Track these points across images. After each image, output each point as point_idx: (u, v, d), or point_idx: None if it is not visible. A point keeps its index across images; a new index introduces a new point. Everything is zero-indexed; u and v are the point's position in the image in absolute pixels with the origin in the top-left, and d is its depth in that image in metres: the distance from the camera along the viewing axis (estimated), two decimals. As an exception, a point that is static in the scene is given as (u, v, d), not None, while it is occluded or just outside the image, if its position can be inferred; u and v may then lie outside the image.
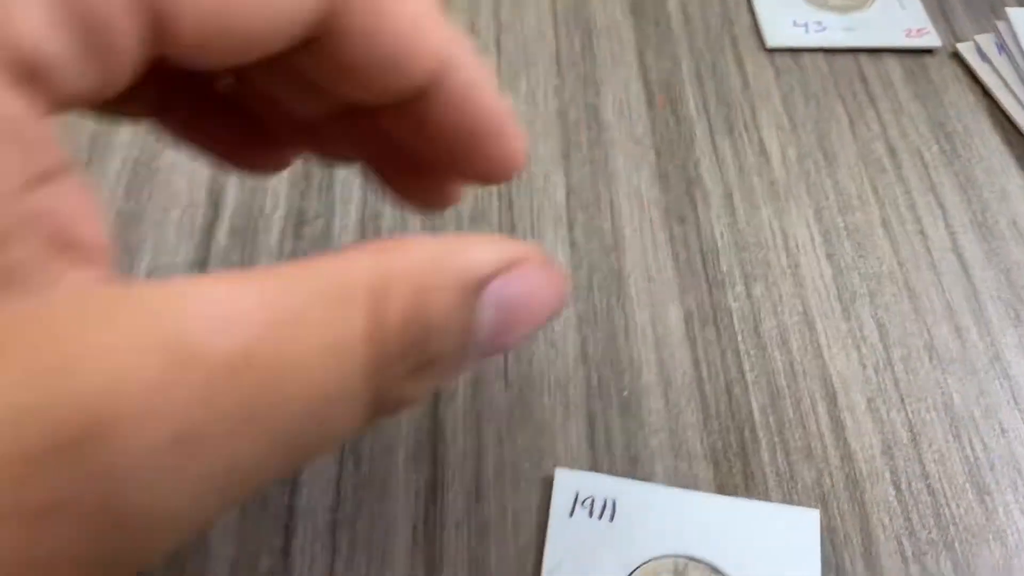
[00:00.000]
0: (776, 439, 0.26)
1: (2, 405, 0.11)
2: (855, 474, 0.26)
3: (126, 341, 0.12)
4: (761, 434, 0.27)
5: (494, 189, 0.32)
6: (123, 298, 0.13)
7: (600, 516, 0.24)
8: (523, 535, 0.24)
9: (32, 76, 0.14)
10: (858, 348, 0.28)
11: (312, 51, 0.17)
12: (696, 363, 0.28)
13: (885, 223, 0.31)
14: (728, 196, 0.32)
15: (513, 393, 0.27)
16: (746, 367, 0.28)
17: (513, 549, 0.24)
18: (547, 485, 0.25)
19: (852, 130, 0.34)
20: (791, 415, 0.27)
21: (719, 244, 0.31)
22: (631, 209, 0.31)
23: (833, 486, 0.26)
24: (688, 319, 0.29)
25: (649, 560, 0.24)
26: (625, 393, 0.27)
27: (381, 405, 0.15)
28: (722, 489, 0.25)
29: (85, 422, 0.11)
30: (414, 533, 0.24)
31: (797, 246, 0.31)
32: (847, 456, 0.26)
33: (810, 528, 0.25)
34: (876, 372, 0.28)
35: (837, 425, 0.27)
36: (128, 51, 0.15)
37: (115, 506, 0.12)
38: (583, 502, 0.25)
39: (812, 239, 0.31)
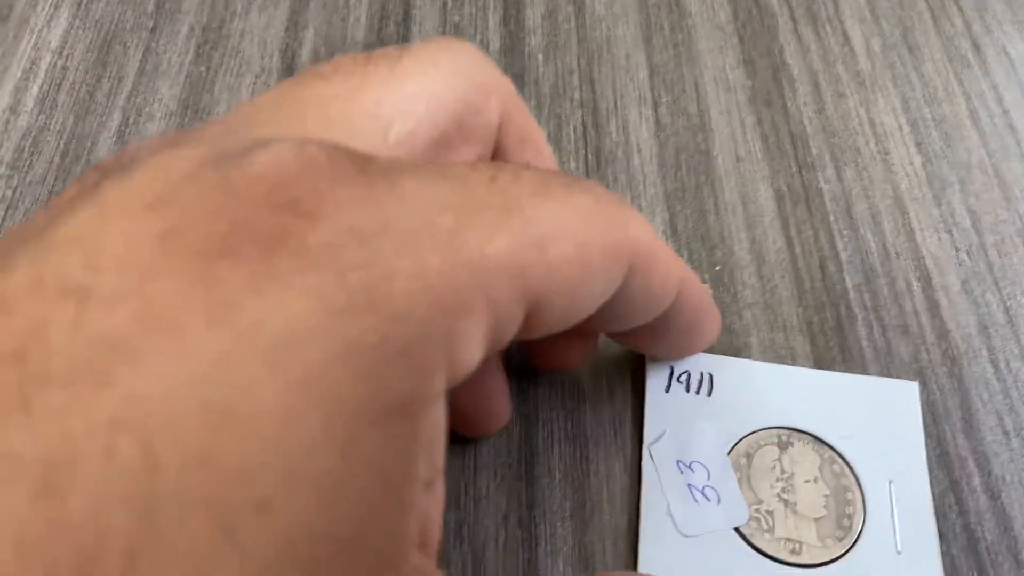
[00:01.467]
0: (872, 316, 0.26)
1: None
2: (952, 351, 0.25)
3: None
4: (857, 311, 0.26)
5: (574, 66, 0.31)
6: None
7: (698, 391, 0.24)
8: (618, 403, 0.24)
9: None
10: (950, 232, 0.28)
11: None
12: (789, 241, 0.27)
13: (973, 115, 0.31)
14: (814, 84, 0.31)
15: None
16: (839, 246, 0.27)
17: (608, 414, 0.24)
18: (640, 360, 0.24)
19: (936, 25, 0.33)
20: (886, 294, 0.27)
21: (808, 129, 0.30)
22: (717, 92, 0.31)
23: (931, 362, 0.25)
24: (779, 199, 0.28)
25: (752, 432, 0.23)
26: (717, 268, 0.27)
27: None
28: (819, 363, 0.25)
29: None
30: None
31: (885, 134, 0.30)
32: (943, 334, 0.26)
33: (910, 400, 0.24)
34: (969, 256, 0.27)
35: (932, 304, 0.26)
36: (509, 338, 0.15)
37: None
38: (679, 377, 0.24)
39: (900, 128, 0.30)
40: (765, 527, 0.22)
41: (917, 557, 0.21)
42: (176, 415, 0.10)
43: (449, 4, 0.33)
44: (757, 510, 0.22)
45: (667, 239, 0.27)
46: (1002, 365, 0.25)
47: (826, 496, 0.22)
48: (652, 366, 0.24)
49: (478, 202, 0.14)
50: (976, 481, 0.23)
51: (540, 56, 0.31)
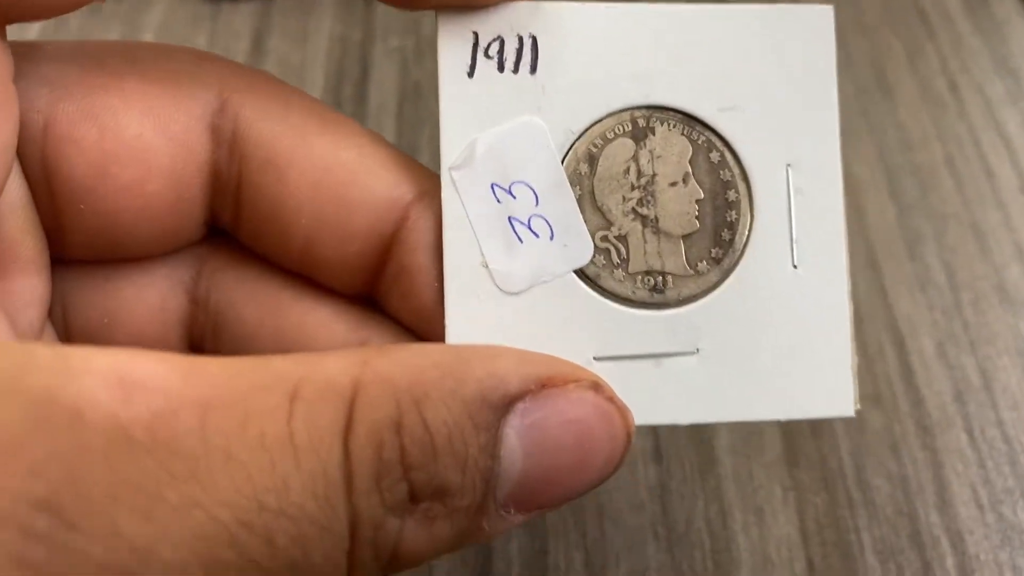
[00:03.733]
0: (843, 384, 0.25)
1: None
2: (926, 421, 0.25)
3: None
4: (827, 379, 0.25)
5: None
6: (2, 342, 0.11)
7: (515, 67, 0.16)
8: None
9: None
10: (924, 291, 0.27)
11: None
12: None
13: (948, 161, 0.30)
14: (784, 133, 0.30)
15: None
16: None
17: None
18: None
19: (910, 64, 0.32)
20: (859, 360, 0.26)
21: (777, 183, 0.29)
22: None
23: (904, 433, 0.24)
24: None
25: (595, 122, 0.16)
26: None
27: (370, 547, 0.12)
28: (788, 437, 0.24)
29: None
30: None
31: (859, 185, 0.29)
32: (917, 403, 0.25)
33: (821, 34, 0.17)
34: (944, 315, 0.27)
35: (906, 370, 0.26)
36: None
37: None
38: (486, 50, 0.16)
39: (874, 178, 0.29)
40: (616, 260, 0.16)
41: (819, 271, 0.16)
42: None
43: (410, 61, 0.32)
44: (604, 238, 0.16)
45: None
46: (977, 433, 0.25)
47: (699, 201, 0.16)
48: (445, 35, 0.16)
49: None
50: (949, 562, 0.23)
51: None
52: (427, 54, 0.32)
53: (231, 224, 0.17)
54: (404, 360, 0.13)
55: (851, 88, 0.32)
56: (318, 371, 0.12)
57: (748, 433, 0.24)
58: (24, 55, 0.15)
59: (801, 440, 0.24)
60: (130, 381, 0.11)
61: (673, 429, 0.24)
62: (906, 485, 0.24)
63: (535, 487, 0.14)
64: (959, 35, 0.33)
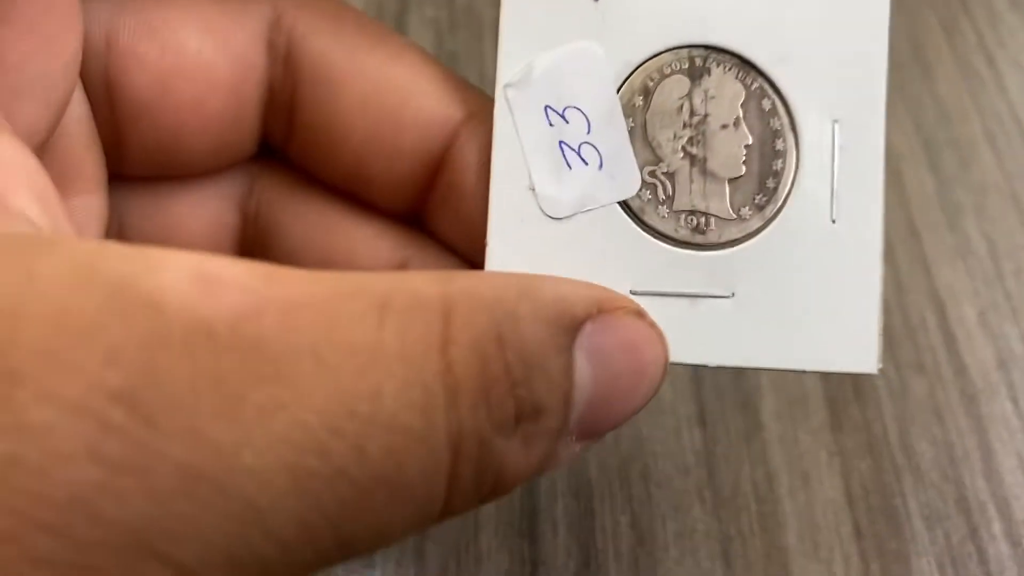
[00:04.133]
0: (886, 354, 0.25)
1: None
2: (970, 389, 0.25)
3: (57, 268, 0.10)
4: (870, 347, 0.25)
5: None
6: (73, 241, 0.10)
7: None
8: (624, 451, 0.23)
9: None
10: (965, 261, 0.27)
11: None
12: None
13: (988, 135, 0.30)
14: (822, 105, 0.30)
15: None
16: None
17: (614, 462, 0.23)
18: None
19: (948, 40, 0.32)
20: (900, 329, 0.26)
21: (816, 154, 0.29)
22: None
23: (948, 401, 0.24)
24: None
25: (654, 55, 0.16)
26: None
27: (473, 466, 0.12)
28: (832, 405, 0.24)
29: None
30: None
31: (898, 157, 0.29)
32: (960, 371, 0.25)
33: (879, 3, 0.17)
34: (986, 285, 0.27)
35: (948, 339, 0.25)
36: None
37: (15, 485, 0.09)
38: None
39: (912, 151, 0.29)
40: (662, 197, 0.16)
41: (855, 227, 0.16)
42: None
43: (444, 31, 0.32)
44: (652, 173, 0.16)
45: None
46: (1022, 402, 0.24)
47: (748, 147, 0.16)
48: None
49: None
50: (996, 527, 0.23)
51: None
52: (461, 25, 0.32)
53: (282, 141, 0.17)
54: (484, 280, 0.13)
55: (888, 63, 0.31)
56: (404, 285, 0.12)
57: (792, 399, 0.24)
58: None
59: (845, 406, 0.24)
60: (211, 278, 0.10)
61: (718, 395, 0.24)
62: (951, 451, 0.24)
63: (598, 412, 0.14)
64: (996, 11, 0.33)
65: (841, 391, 0.24)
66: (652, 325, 0.14)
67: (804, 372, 0.17)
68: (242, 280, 0.11)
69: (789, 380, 0.25)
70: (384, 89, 0.16)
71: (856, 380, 0.25)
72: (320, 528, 0.11)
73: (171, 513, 0.10)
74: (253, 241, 0.18)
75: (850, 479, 0.23)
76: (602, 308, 0.14)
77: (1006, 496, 0.23)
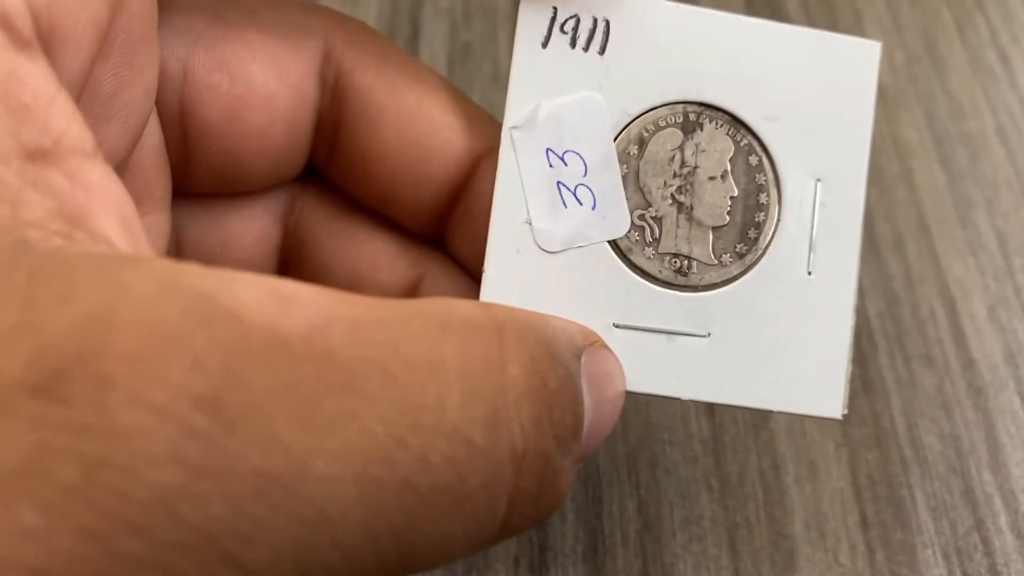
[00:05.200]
0: (895, 345, 0.25)
1: None
2: (978, 382, 0.25)
3: (142, 280, 0.10)
4: (879, 339, 0.25)
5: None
6: (154, 258, 0.11)
7: (586, 46, 0.17)
8: (632, 439, 0.23)
9: (47, 41, 0.12)
10: (976, 256, 0.27)
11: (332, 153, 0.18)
12: (808, 266, 0.27)
13: (1000, 131, 0.30)
14: (834, 99, 0.30)
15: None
16: (861, 271, 0.27)
17: (622, 451, 0.23)
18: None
19: (960, 35, 0.32)
20: (909, 321, 0.26)
21: (827, 147, 0.29)
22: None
23: (955, 394, 0.25)
24: (798, 222, 0.28)
25: (652, 108, 0.17)
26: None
27: (535, 480, 0.12)
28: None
29: (64, 354, 0.09)
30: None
31: (909, 152, 0.29)
32: (969, 364, 0.25)
33: (865, 68, 0.18)
34: (996, 280, 0.27)
35: (957, 332, 0.26)
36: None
37: (104, 485, 0.09)
38: (563, 26, 0.17)
39: (924, 145, 0.29)
40: (649, 239, 0.17)
41: (830, 282, 0.17)
42: None
43: (459, 22, 0.32)
44: (642, 217, 0.17)
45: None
46: (1030, 396, 0.25)
47: (733, 199, 0.18)
48: (527, 5, 0.17)
49: None
50: (1003, 520, 0.23)
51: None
52: (475, 16, 0.32)
53: (323, 163, 0.19)
54: (516, 309, 0.14)
55: (901, 56, 0.32)
56: (457, 309, 0.13)
57: (800, 390, 0.24)
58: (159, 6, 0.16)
59: (853, 398, 0.24)
60: (284, 294, 0.11)
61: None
62: (958, 444, 0.24)
63: (591, 437, 0.15)
64: (1010, 8, 0.33)
65: (849, 383, 0.25)
66: (616, 359, 0.16)
67: (771, 412, 0.18)
68: (312, 298, 0.11)
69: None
70: (418, 122, 0.18)
71: (865, 372, 0.25)
72: (384, 538, 0.11)
73: (245, 517, 0.10)
74: (290, 252, 0.19)
75: (857, 470, 0.23)
76: (589, 340, 0.15)
77: (1013, 489, 0.23)
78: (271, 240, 0.19)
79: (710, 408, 0.24)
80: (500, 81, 0.30)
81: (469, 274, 0.19)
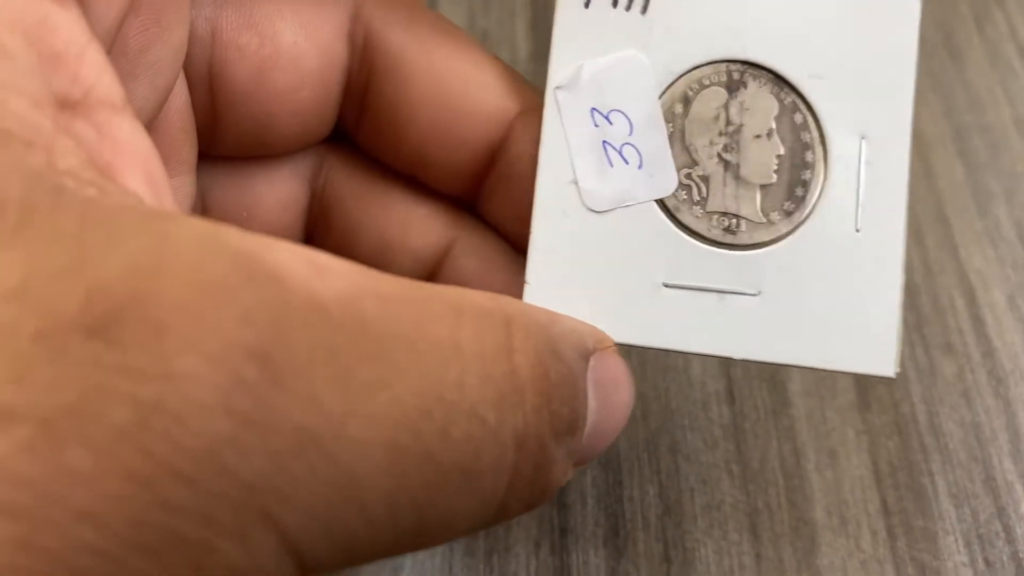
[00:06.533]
0: (915, 335, 0.25)
1: (13, 275, 0.09)
2: (999, 371, 0.25)
3: (187, 234, 0.10)
4: (899, 328, 0.25)
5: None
6: (193, 216, 0.11)
7: (628, 5, 0.17)
8: (652, 423, 0.23)
9: None
10: (995, 246, 0.27)
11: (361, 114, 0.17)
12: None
13: (1018, 123, 0.30)
14: (852, 90, 0.30)
15: None
16: (880, 261, 0.27)
17: (643, 435, 0.23)
18: None
19: (978, 29, 0.32)
20: (929, 311, 0.26)
21: (846, 137, 0.29)
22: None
23: (976, 382, 0.24)
24: (817, 211, 0.28)
25: (695, 67, 0.17)
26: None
27: (532, 466, 0.13)
28: (860, 382, 0.24)
29: (118, 298, 0.09)
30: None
31: (927, 144, 0.29)
32: (989, 353, 0.25)
33: (907, 20, 0.18)
34: (1015, 270, 0.27)
35: (977, 321, 0.26)
36: None
37: (156, 430, 0.09)
38: None
39: (942, 137, 0.29)
40: (696, 198, 0.17)
41: (878, 238, 0.17)
42: None
43: (477, 9, 0.32)
44: (688, 175, 0.17)
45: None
46: (1050, 386, 0.24)
47: (779, 157, 0.18)
48: None
49: None
50: (1024, 508, 0.23)
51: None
52: (493, 3, 0.32)
53: (352, 126, 0.18)
54: (525, 304, 0.14)
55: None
56: (468, 297, 0.13)
57: (820, 377, 0.24)
58: None
59: (874, 385, 0.24)
60: (319, 263, 0.11)
61: (746, 371, 0.24)
62: (979, 432, 0.24)
63: (593, 439, 0.15)
64: (1026, 1, 0.33)
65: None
66: (626, 367, 0.16)
67: (824, 371, 0.18)
68: (343, 269, 0.11)
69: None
70: (450, 82, 0.17)
71: (884, 360, 0.25)
72: (404, 509, 0.11)
73: (285, 475, 0.10)
74: (318, 216, 0.19)
75: (878, 457, 0.23)
76: (601, 345, 0.15)
77: (1034, 477, 0.23)
78: (299, 204, 0.19)
79: (730, 394, 0.24)
80: (518, 68, 0.30)
81: (504, 238, 0.19)
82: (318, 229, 0.19)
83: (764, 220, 0.17)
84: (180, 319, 0.09)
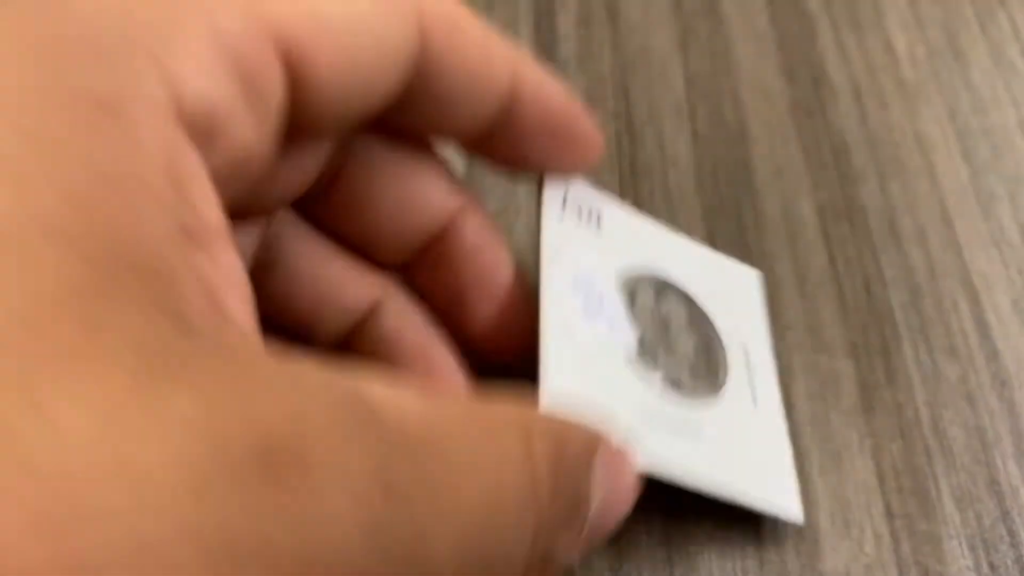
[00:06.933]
0: (919, 337, 0.25)
1: (172, 422, 0.10)
2: (1003, 374, 0.25)
3: (314, 379, 0.12)
4: (903, 331, 0.25)
5: (607, 75, 0.30)
6: (288, 354, 0.12)
7: (588, 220, 0.22)
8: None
9: (209, 132, 0.13)
10: (999, 249, 0.27)
11: (405, 100, 0.17)
12: (831, 258, 0.27)
13: (1022, 125, 0.30)
14: (856, 93, 0.30)
15: (638, 283, 0.26)
16: (883, 263, 0.27)
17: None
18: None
19: (983, 30, 0.32)
20: (932, 313, 0.26)
21: (850, 140, 0.29)
22: (755, 101, 0.30)
23: (980, 385, 0.24)
24: (821, 213, 0.27)
25: (634, 274, 0.22)
26: (757, 286, 0.26)
27: (540, 559, 0.14)
28: (863, 385, 0.24)
29: (272, 446, 0.10)
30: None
31: (931, 146, 0.29)
32: (993, 356, 0.25)
33: (752, 287, 0.25)
34: (1020, 273, 0.26)
35: (981, 324, 0.25)
36: (274, 94, 0.14)
37: (308, 559, 0.10)
38: (571, 205, 0.22)
39: (946, 139, 0.29)
40: (648, 361, 0.21)
41: (769, 413, 0.23)
42: None
43: (480, 11, 0.32)
44: (641, 342, 0.21)
45: (705, 256, 0.27)
46: (1055, 389, 0.24)
47: (696, 345, 0.22)
48: (550, 187, 0.22)
49: None
50: (1028, 511, 0.23)
51: (573, 64, 0.31)
52: (497, 5, 0.32)
53: (311, 198, 0.20)
54: (541, 408, 0.16)
55: (922, 50, 0.32)
56: (499, 413, 0.14)
57: (824, 381, 0.24)
58: None
59: (877, 389, 0.24)
60: (402, 399, 0.12)
61: (749, 374, 0.24)
62: (983, 435, 0.24)
63: (595, 528, 0.16)
64: (1031, 3, 0.33)
65: (873, 374, 0.25)
66: (630, 460, 0.17)
67: (746, 508, 0.21)
68: (414, 401, 0.13)
69: (821, 363, 0.25)
70: (409, 179, 0.20)
71: (888, 363, 0.25)
72: None
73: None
74: (262, 260, 0.20)
75: (881, 460, 0.23)
76: (607, 438, 0.16)
77: (1038, 481, 0.23)
78: (252, 247, 0.19)
79: (733, 397, 0.24)
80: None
81: (426, 303, 0.21)
82: (259, 272, 0.20)
83: (695, 384, 0.22)
84: (324, 459, 0.11)
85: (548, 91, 0.19)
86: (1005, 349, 0.25)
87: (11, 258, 0.10)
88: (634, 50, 0.31)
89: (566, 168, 0.22)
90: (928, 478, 0.23)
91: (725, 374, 0.22)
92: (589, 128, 0.21)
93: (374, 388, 0.12)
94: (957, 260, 0.27)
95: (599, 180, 0.28)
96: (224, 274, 0.13)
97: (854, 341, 0.25)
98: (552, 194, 0.22)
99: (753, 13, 0.32)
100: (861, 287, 0.26)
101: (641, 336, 0.21)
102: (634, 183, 0.28)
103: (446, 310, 0.21)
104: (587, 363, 0.20)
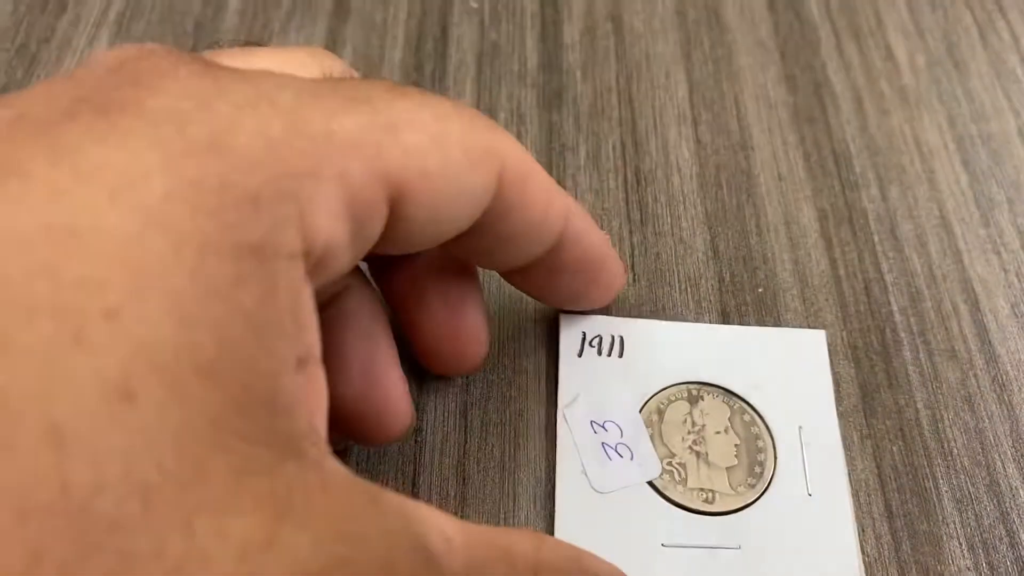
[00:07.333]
0: (919, 340, 0.26)
1: (289, 559, 0.12)
2: (1002, 377, 0.25)
3: (395, 508, 0.13)
4: (903, 334, 0.26)
5: (613, 84, 0.31)
6: (379, 493, 0.14)
7: (609, 353, 0.24)
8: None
9: (317, 265, 0.14)
10: (999, 254, 0.27)
11: (468, 232, 0.18)
12: (833, 263, 0.27)
13: (1022, 132, 0.30)
14: (858, 100, 0.31)
15: (642, 287, 0.26)
16: (884, 268, 0.27)
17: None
18: (554, 325, 0.25)
19: (982, 39, 0.33)
20: (932, 317, 0.26)
21: (851, 147, 0.29)
22: (758, 109, 0.30)
23: (979, 388, 0.25)
24: (823, 219, 0.28)
25: (662, 389, 0.24)
26: (760, 290, 0.26)
27: None
28: (864, 387, 0.25)
29: (369, 565, 0.12)
30: (552, 417, 0.24)
31: (931, 152, 0.29)
32: (992, 359, 0.25)
33: (818, 347, 0.25)
34: (1019, 278, 0.27)
35: (981, 328, 0.26)
36: (375, 229, 0.16)
37: None
38: (591, 342, 0.24)
39: (946, 146, 0.30)
40: (678, 479, 0.22)
41: (827, 499, 0.22)
42: (17, 234, 0.11)
43: (487, 22, 0.32)
44: (670, 463, 0.22)
45: (708, 260, 0.27)
46: (1053, 392, 0.25)
47: (736, 445, 0.23)
48: (565, 331, 0.24)
49: (321, 90, 0.15)
50: (1027, 512, 0.23)
51: (578, 73, 0.31)
52: (503, 16, 0.33)
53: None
54: (551, 546, 0.17)
55: (923, 59, 0.32)
56: (517, 546, 0.16)
57: (825, 383, 0.25)
58: None
59: (878, 390, 0.25)
60: (446, 531, 0.14)
61: (751, 376, 0.25)
62: (982, 437, 0.24)
63: None
64: (1030, 12, 0.33)
65: (873, 376, 0.25)
66: None
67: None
68: (455, 531, 0.14)
69: (822, 365, 0.25)
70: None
71: (889, 366, 0.25)
72: None
73: None
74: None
75: (882, 461, 0.24)
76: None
77: (1037, 482, 0.23)
78: None
79: (736, 399, 0.24)
80: (527, 79, 0.31)
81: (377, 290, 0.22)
82: None
83: (734, 492, 0.22)
84: None
85: (591, 238, 0.21)
86: (1004, 353, 0.25)
87: (164, 388, 0.12)
88: (638, 58, 0.32)
89: (590, 303, 0.24)
90: (928, 479, 0.23)
91: (773, 468, 0.23)
92: (619, 270, 0.23)
93: (432, 531, 0.14)
94: (957, 265, 0.27)
95: (604, 188, 0.28)
96: (318, 393, 0.14)
97: (855, 344, 0.25)
98: (569, 335, 0.24)
99: (755, 22, 0.33)
100: (862, 291, 0.26)
101: (668, 459, 0.22)
102: (638, 189, 0.28)
103: (404, 315, 0.22)
104: (602, 504, 0.22)
